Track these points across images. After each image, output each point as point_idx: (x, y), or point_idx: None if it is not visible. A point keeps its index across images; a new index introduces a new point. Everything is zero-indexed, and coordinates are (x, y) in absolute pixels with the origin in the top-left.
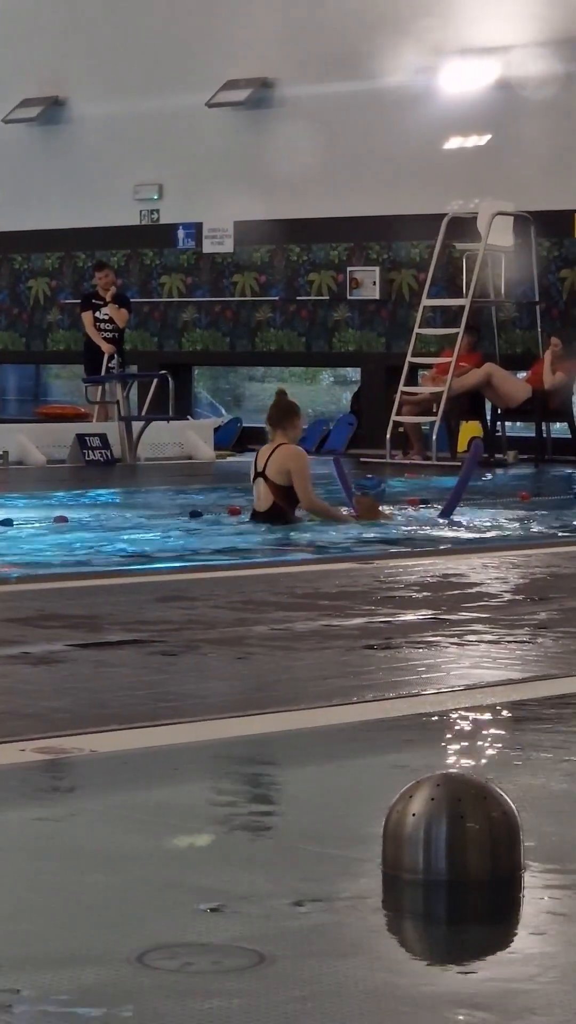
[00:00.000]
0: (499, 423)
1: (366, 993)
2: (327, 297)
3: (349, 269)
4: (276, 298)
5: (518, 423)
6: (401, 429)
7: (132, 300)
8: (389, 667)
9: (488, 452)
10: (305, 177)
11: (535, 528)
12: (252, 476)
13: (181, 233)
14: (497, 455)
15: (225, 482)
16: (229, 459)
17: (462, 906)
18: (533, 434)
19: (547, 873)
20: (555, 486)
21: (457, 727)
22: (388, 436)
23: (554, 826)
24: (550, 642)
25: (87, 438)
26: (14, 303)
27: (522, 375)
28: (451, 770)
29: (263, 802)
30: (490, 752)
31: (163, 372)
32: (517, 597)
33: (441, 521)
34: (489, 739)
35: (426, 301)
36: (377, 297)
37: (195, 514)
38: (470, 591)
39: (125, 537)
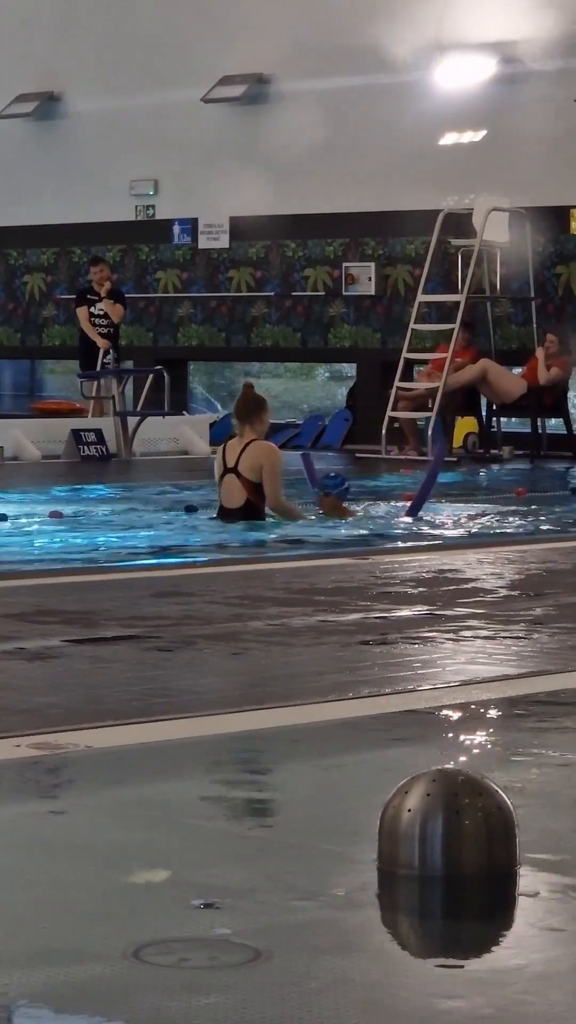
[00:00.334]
0: (494, 419)
1: (362, 988)
2: (323, 293)
3: (345, 265)
4: (272, 294)
5: (513, 419)
6: (396, 425)
7: (128, 295)
8: (385, 663)
9: (483, 448)
10: (301, 173)
11: (518, 523)
12: (218, 472)
13: (177, 228)
14: (492, 451)
15: None
16: None
17: (458, 901)
18: (528, 430)
19: (542, 868)
20: (550, 482)
21: (453, 723)
22: (384, 432)
23: (549, 821)
24: (546, 638)
25: (82, 433)
26: (9, 298)
27: (517, 371)
28: (446, 765)
29: (258, 798)
30: (486, 747)
31: (158, 367)
32: (513, 593)
33: (407, 520)
34: (485, 734)
35: (422, 297)
36: (373, 293)
37: (190, 509)
38: (466, 587)
39: (120, 533)
